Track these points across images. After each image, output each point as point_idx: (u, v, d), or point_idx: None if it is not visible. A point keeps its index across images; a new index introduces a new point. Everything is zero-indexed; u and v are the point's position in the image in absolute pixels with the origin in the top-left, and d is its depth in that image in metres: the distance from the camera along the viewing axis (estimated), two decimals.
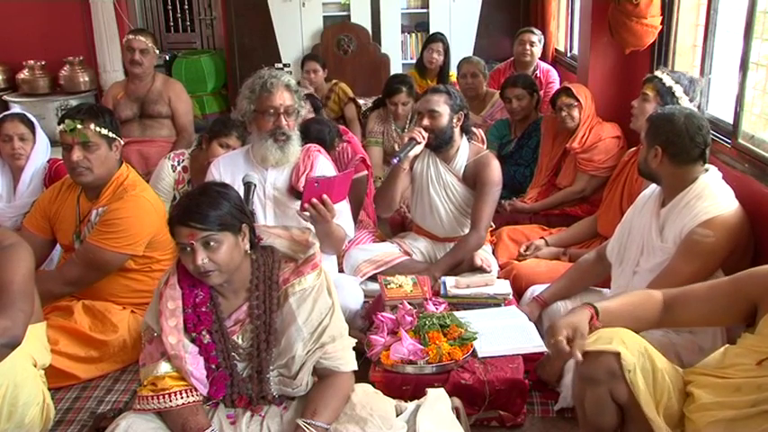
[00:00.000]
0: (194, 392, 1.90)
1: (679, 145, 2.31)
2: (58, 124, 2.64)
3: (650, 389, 1.74)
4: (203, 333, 1.92)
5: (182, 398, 1.87)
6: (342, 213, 2.69)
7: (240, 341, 1.95)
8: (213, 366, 1.92)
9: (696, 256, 2.23)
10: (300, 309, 1.92)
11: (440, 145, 3.10)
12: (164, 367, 1.89)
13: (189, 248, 1.84)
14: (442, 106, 3.05)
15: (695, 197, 2.31)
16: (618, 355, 1.71)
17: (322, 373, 1.96)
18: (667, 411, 1.75)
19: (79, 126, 2.58)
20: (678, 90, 2.88)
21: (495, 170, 3.09)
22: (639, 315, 1.80)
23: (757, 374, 1.65)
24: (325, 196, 2.51)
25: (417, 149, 3.05)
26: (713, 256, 2.23)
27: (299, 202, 2.58)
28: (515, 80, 4.20)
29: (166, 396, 1.87)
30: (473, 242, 3.05)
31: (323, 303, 1.95)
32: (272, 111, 2.65)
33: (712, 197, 2.29)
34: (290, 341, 1.91)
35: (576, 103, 3.66)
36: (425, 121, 3.06)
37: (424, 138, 3.02)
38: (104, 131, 2.63)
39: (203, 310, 1.93)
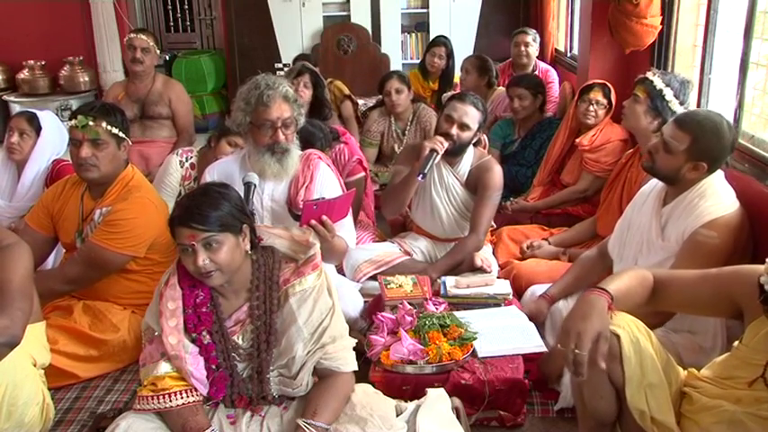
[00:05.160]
0: (194, 392, 1.90)
1: (722, 159, 2.32)
2: (70, 119, 2.64)
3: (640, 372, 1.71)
4: (203, 333, 1.92)
5: (181, 398, 1.87)
6: (343, 225, 2.61)
7: (240, 341, 1.95)
8: (213, 367, 1.92)
9: (701, 257, 2.21)
10: (301, 309, 1.92)
11: (453, 153, 3.09)
12: (164, 367, 1.89)
13: (190, 249, 1.84)
14: (475, 123, 3.04)
15: (698, 196, 2.31)
16: (618, 336, 1.70)
17: (322, 373, 1.96)
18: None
19: (91, 123, 2.58)
20: (668, 93, 2.87)
21: (496, 175, 3.08)
22: (636, 294, 1.78)
23: (753, 389, 1.64)
24: (324, 217, 2.42)
25: (438, 159, 3.02)
26: (718, 258, 2.23)
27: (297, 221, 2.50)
28: (519, 80, 4.20)
29: (166, 396, 1.87)
30: (471, 245, 3.05)
31: (323, 304, 1.95)
32: (269, 124, 2.54)
33: (716, 196, 2.30)
34: (291, 341, 1.91)
35: (605, 104, 3.63)
36: (454, 130, 3.02)
37: (444, 146, 2.99)
38: (115, 131, 2.64)
39: (203, 310, 1.93)
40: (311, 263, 1.96)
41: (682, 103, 2.88)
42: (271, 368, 1.94)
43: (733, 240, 2.26)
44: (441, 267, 3.02)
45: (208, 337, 1.92)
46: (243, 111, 2.57)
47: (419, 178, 2.98)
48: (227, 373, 1.94)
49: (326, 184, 2.70)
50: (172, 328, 1.89)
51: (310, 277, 1.95)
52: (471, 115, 3.02)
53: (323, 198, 2.52)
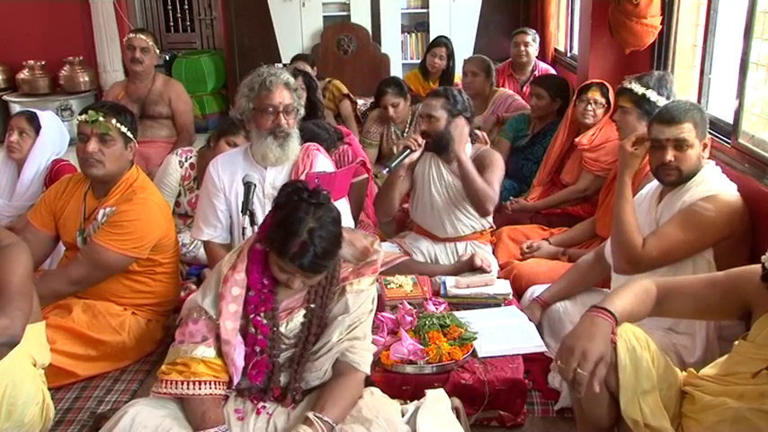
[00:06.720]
0: (222, 385, 1.92)
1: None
2: (80, 115, 2.66)
3: (634, 381, 1.72)
4: (261, 315, 1.94)
5: (209, 388, 1.89)
6: (341, 211, 2.67)
7: (283, 329, 1.97)
8: (258, 350, 1.94)
9: (693, 226, 2.25)
10: (352, 305, 1.97)
11: (439, 148, 3.10)
12: (203, 351, 1.90)
13: (289, 275, 1.87)
14: (439, 111, 3.05)
15: (695, 184, 2.33)
16: (614, 344, 1.70)
17: (339, 368, 1.97)
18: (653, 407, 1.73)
19: (101, 118, 2.60)
20: (652, 95, 2.86)
21: (496, 155, 3.13)
22: (639, 312, 1.80)
23: (756, 383, 1.65)
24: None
25: (414, 156, 3.04)
26: (710, 231, 2.25)
27: None
28: (542, 79, 4.23)
29: (196, 384, 1.88)
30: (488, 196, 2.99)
31: (367, 305, 2.02)
32: (271, 109, 2.63)
33: (713, 182, 2.33)
34: (331, 329, 1.96)
35: (604, 103, 3.63)
36: (423, 125, 3.08)
37: (419, 145, 3.02)
38: (123, 129, 2.66)
39: (266, 291, 1.96)
40: (372, 266, 2.03)
41: (668, 98, 2.88)
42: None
43: (727, 221, 2.26)
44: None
45: (264, 319, 1.95)
46: (246, 97, 2.66)
47: (384, 171, 3.05)
48: (270, 360, 1.96)
49: (325, 170, 2.77)
50: (230, 314, 1.92)
51: (368, 279, 2.01)
52: (432, 105, 3.07)
53: (324, 171, 2.58)
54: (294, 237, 1.81)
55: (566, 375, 1.65)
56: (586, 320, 1.70)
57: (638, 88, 2.89)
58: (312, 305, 1.97)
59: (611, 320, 1.69)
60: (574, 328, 1.71)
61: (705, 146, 2.36)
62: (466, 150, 3.13)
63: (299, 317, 1.98)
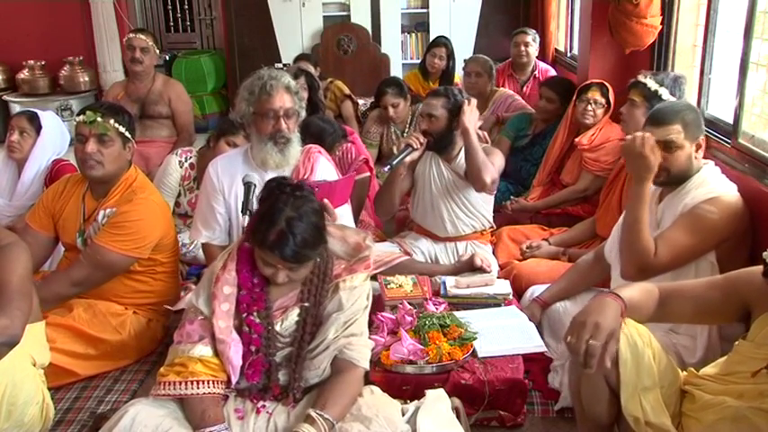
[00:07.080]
0: (220, 385, 1.92)
1: (702, 122, 2.39)
2: (78, 116, 2.66)
3: (635, 377, 1.72)
4: (254, 314, 1.95)
5: (207, 387, 1.89)
6: (342, 217, 2.67)
7: (278, 328, 1.97)
8: (253, 349, 1.94)
9: (698, 230, 2.24)
10: (345, 302, 1.97)
11: (440, 147, 3.11)
12: (200, 350, 1.91)
13: (273, 268, 1.88)
14: (440, 110, 3.06)
15: (695, 186, 2.33)
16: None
17: (339, 365, 1.98)
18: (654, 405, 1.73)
19: (99, 119, 2.60)
20: (665, 93, 2.86)
21: (497, 150, 3.15)
22: (644, 307, 1.80)
23: (756, 382, 1.65)
24: (325, 200, 2.46)
25: (415, 155, 3.05)
26: (713, 233, 2.25)
27: None
28: (555, 82, 4.20)
29: (194, 383, 1.88)
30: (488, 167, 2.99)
31: (362, 302, 2.02)
32: (271, 114, 2.61)
33: (714, 184, 2.33)
34: (326, 326, 1.96)
35: (604, 103, 3.63)
36: (423, 125, 3.08)
37: (421, 144, 3.03)
38: (122, 129, 2.66)
39: (257, 291, 1.97)
40: (364, 262, 2.02)
41: (679, 99, 2.88)
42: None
43: (730, 223, 2.26)
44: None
45: (257, 318, 1.95)
46: (246, 101, 2.64)
47: (385, 169, 3.05)
48: (266, 360, 1.96)
49: (326, 175, 2.76)
50: (223, 313, 1.92)
51: (361, 275, 2.01)
52: (433, 104, 3.08)
53: (324, 180, 2.56)
54: (272, 226, 1.82)
55: (577, 349, 1.63)
56: (597, 300, 1.72)
57: (652, 84, 2.89)
58: (306, 303, 1.98)
59: (620, 302, 1.70)
60: (584, 308, 1.72)
61: (699, 147, 2.35)
62: (464, 149, 3.13)
63: (293, 315, 1.98)
